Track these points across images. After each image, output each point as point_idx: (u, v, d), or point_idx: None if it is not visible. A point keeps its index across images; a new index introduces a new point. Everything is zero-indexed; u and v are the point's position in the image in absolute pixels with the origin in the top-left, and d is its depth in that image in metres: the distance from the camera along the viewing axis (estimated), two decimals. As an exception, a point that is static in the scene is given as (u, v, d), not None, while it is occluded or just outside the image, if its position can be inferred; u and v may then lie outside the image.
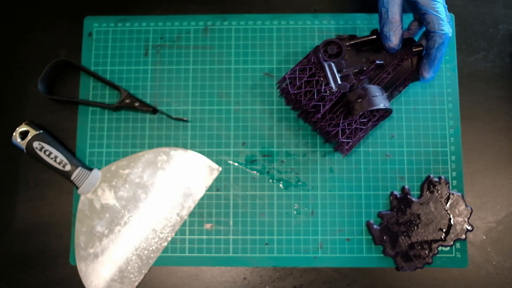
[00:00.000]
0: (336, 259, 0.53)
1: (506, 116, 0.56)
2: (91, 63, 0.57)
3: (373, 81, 0.50)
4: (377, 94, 0.48)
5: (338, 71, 0.48)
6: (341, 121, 0.49)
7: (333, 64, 0.48)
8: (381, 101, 0.48)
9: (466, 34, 0.57)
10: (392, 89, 0.52)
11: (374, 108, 0.47)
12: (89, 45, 0.57)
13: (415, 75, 0.51)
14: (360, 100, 0.48)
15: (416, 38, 0.53)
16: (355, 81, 0.49)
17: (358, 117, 0.49)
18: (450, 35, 0.48)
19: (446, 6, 0.49)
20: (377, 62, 0.49)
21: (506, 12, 0.58)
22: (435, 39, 0.48)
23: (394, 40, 0.48)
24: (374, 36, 0.50)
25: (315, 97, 0.48)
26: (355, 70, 0.49)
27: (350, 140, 0.49)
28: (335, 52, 0.49)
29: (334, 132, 0.49)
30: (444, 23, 0.48)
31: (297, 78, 0.49)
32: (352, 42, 0.50)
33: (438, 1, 0.48)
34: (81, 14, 0.58)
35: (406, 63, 0.50)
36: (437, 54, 0.48)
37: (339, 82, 0.48)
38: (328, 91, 0.48)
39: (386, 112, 0.50)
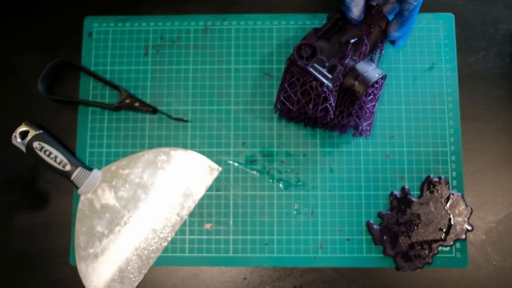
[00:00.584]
0: (336, 259, 0.53)
1: (506, 116, 0.56)
2: (91, 63, 0.57)
3: (355, 58, 0.50)
4: (368, 68, 0.49)
5: (323, 68, 0.48)
6: (351, 109, 0.50)
7: (315, 64, 0.48)
8: (374, 72, 0.49)
9: (466, 34, 0.57)
10: (372, 55, 0.53)
11: (372, 82, 0.48)
12: (89, 45, 0.57)
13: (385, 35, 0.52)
14: (356, 82, 0.48)
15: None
16: (342, 68, 0.49)
17: (364, 97, 0.49)
18: None
19: None
20: (351, 41, 0.50)
21: (506, 12, 0.58)
22: (410, 2, 0.48)
23: (355, 11, 0.49)
24: (333, 20, 0.51)
25: (319, 101, 0.48)
26: (337, 59, 0.50)
27: (370, 121, 0.51)
28: (310, 53, 0.48)
29: (351, 122, 0.50)
30: None
31: (292, 94, 0.49)
32: (318, 35, 0.50)
33: None
34: (81, 14, 0.58)
35: (375, 29, 0.51)
36: (409, 16, 0.49)
37: (331, 76, 0.48)
38: (326, 90, 0.48)
39: (383, 79, 0.50)
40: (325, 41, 0.50)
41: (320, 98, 0.48)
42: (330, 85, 0.48)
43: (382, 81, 0.50)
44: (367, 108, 0.50)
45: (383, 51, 0.53)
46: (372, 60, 0.53)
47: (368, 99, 0.49)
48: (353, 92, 0.49)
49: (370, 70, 0.49)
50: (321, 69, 0.48)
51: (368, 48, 0.50)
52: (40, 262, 0.54)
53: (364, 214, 0.54)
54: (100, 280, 0.53)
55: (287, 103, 0.50)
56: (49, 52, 0.57)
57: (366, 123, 0.51)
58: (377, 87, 0.50)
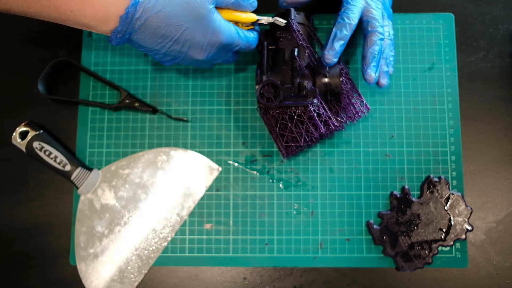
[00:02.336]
0: (336, 259, 0.53)
1: (506, 116, 0.56)
2: (91, 63, 0.57)
3: (308, 62, 0.51)
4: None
5: (293, 93, 0.49)
6: (342, 104, 0.51)
7: (286, 96, 0.48)
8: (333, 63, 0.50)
9: (466, 34, 0.57)
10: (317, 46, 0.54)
11: (340, 70, 0.50)
12: (89, 45, 0.57)
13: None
14: (328, 80, 0.49)
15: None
16: (308, 80, 0.49)
17: (344, 85, 0.51)
18: (383, 37, 0.50)
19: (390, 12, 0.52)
20: (295, 55, 0.50)
21: (506, 12, 0.58)
22: (369, 38, 0.50)
23: (372, 74, 0.49)
24: (265, 49, 0.51)
25: (315, 121, 0.49)
26: (297, 76, 0.50)
27: (363, 101, 0.52)
28: (273, 91, 0.49)
29: (354, 114, 0.52)
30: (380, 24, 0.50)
31: (288, 134, 0.50)
32: (265, 71, 0.50)
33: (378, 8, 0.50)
34: (81, 14, 0.58)
35: (301, 28, 0.51)
36: (367, 54, 0.49)
37: (307, 93, 0.48)
38: (313, 108, 0.48)
39: (341, 61, 0.51)
40: (275, 72, 0.50)
41: (313, 118, 0.49)
42: (314, 101, 0.48)
43: (342, 63, 0.51)
44: (353, 90, 0.52)
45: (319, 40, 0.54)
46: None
47: (348, 85, 0.51)
48: (332, 90, 0.50)
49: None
50: (293, 95, 0.48)
51: (310, 49, 0.51)
52: (40, 262, 0.54)
53: (364, 214, 0.54)
54: (100, 280, 0.53)
55: (292, 144, 0.50)
56: (49, 52, 0.57)
57: (363, 102, 0.52)
58: (345, 71, 0.51)
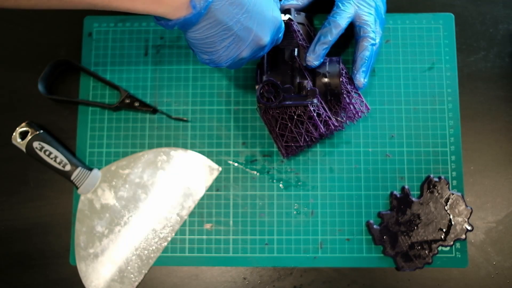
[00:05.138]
0: (336, 259, 0.53)
1: (506, 116, 0.56)
2: (91, 63, 0.57)
3: (308, 62, 0.51)
4: (326, 63, 0.50)
5: (294, 93, 0.49)
6: (342, 103, 0.51)
7: (286, 96, 0.49)
8: (333, 62, 0.50)
9: (466, 34, 0.57)
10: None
11: (340, 70, 0.49)
12: (89, 45, 0.57)
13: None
14: (327, 80, 0.49)
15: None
16: (308, 80, 0.49)
17: (344, 86, 0.50)
18: (375, 43, 0.50)
19: (383, 19, 0.52)
20: (295, 55, 0.50)
21: (506, 12, 0.58)
22: (361, 43, 0.50)
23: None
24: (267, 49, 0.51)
25: (315, 121, 0.49)
26: (297, 76, 0.50)
27: (363, 101, 0.52)
28: (273, 91, 0.49)
29: (354, 114, 0.51)
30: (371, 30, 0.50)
31: (288, 134, 0.50)
32: (265, 71, 0.50)
33: (370, 14, 0.50)
34: (81, 14, 0.58)
35: (302, 28, 0.52)
36: (357, 59, 0.50)
37: (307, 93, 0.48)
38: (313, 108, 0.48)
39: (341, 61, 0.51)
40: (275, 72, 0.50)
41: (313, 118, 0.49)
42: (314, 101, 0.48)
43: (342, 63, 0.51)
44: (352, 91, 0.51)
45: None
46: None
47: (347, 85, 0.51)
48: (332, 90, 0.50)
49: (328, 64, 0.50)
50: (293, 95, 0.48)
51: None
52: (40, 262, 0.54)
53: (364, 214, 0.54)
54: (100, 280, 0.53)
55: (292, 144, 0.50)
56: (49, 52, 0.57)
57: (363, 102, 0.52)
58: (345, 71, 0.51)
